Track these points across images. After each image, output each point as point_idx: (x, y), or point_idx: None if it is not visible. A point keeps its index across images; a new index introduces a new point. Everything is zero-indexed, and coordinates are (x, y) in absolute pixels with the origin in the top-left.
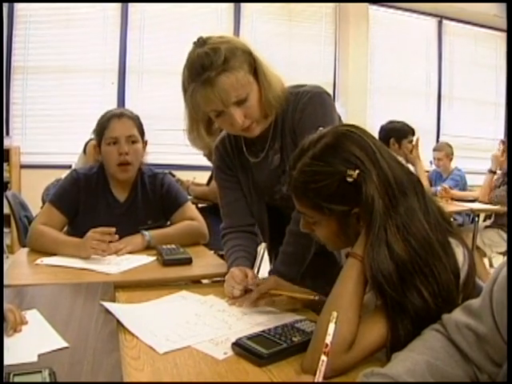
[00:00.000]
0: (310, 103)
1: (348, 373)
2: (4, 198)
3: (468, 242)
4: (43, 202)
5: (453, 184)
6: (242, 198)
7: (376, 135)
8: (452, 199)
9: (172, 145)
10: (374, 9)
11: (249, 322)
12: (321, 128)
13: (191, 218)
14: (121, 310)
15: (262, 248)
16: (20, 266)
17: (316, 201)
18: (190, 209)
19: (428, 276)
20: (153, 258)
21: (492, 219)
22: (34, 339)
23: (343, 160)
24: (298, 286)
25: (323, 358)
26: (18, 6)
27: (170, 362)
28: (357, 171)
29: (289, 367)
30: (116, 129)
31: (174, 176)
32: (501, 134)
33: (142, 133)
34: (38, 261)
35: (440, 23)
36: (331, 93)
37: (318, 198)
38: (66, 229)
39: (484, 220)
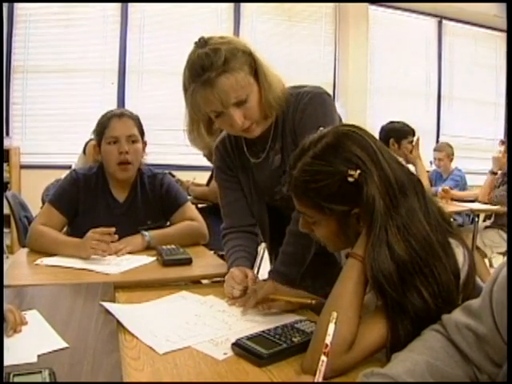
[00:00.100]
0: (311, 104)
1: (348, 373)
2: (4, 198)
3: (468, 243)
4: (43, 203)
5: (453, 184)
6: (243, 198)
7: (376, 135)
8: (452, 199)
9: (172, 145)
10: (373, 9)
11: (249, 323)
12: (321, 128)
13: (191, 218)
14: (121, 310)
15: (262, 248)
16: (20, 267)
17: (316, 200)
18: (190, 209)
19: (428, 276)
20: (153, 259)
21: (492, 219)
22: (34, 339)
23: (344, 160)
24: (297, 289)
25: (323, 358)
26: (17, 5)
27: (169, 363)
28: (358, 171)
29: (289, 367)
30: (116, 128)
31: (173, 176)
32: (500, 134)
33: (141, 133)
34: (38, 261)
35: (440, 23)
36: (331, 93)
37: (318, 197)
38: (65, 229)
39: (484, 220)
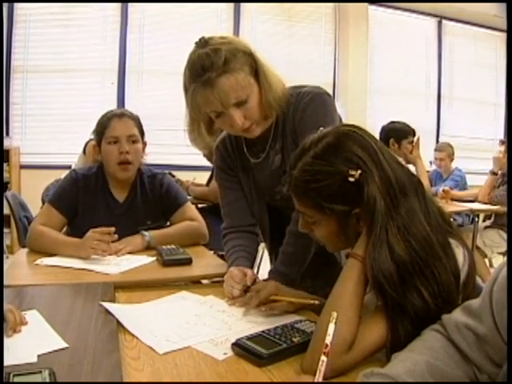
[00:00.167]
0: (311, 104)
1: (348, 373)
2: (4, 198)
3: (468, 243)
4: (43, 203)
5: (453, 184)
6: (243, 198)
7: (376, 135)
8: (452, 199)
9: (172, 145)
10: (373, 9)
11: (249, 323)
12: (322, 128)
13: (191, 218)
14: (121, 310)
15: (262, 248)
16: (20, 267)
17: (317, 200)
18: (190, 209)
19: (428, 277)
20: (153, 259)
21: (492, 219)
22: (34, 339)
23: (345, 160)
24: (298, 290)
25: (323, 358)
26: (17, 5)
27: (169, 363)
28: (359, 171)
29: (289, 367)
30: (117, 128)
31: (173, 176)
32: (500, 134)
33: (142, 133)
34: (38, 261)
35: (440, 23)
36: (331, 93)
37: (318, 197)
38: (65, 229)
39: (484, 220)
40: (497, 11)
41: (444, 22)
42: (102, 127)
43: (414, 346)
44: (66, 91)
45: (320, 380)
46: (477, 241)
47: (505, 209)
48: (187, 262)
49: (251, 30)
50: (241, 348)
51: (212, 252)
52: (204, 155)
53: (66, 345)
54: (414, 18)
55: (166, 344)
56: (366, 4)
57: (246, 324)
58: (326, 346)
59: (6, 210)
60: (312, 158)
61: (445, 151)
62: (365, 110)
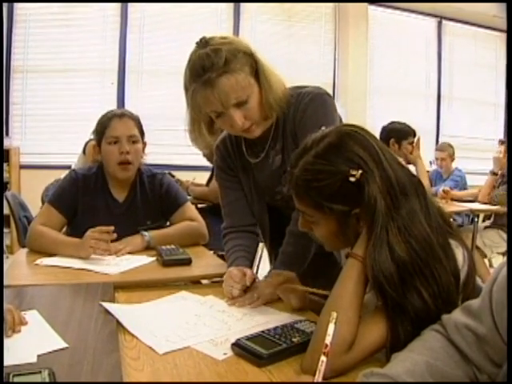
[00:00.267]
0: (311, 104)
1: (348, 373)
2: (4, 198)
3: (468, 243)
4: (43, 203)
5: (453, 184)
6: (243, 198)
7: (376, 135)
8: (452, 199)
9: (172, 145)
10: (373, 9)
11: (248, 323)
12: (323, 127)
13: (191, 218)
14: (120, 310)
15: (261, 248)
16: (20, 267)
17: (317, 200)
18: (190, 209)
19: (428, 278)
20: (152, 259)
21: (491, 219)
22: (34, 340)
23: (346, 160)
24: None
25: (323, 358)
26: (17, 5)
27: (169, 363)
28: (360, 171)
29: (288, 367)
30: (117, 128)
31: (173, 176)
32: (500, 134)
33: (142, 133)
34: (38, 261)
35: (439, 23)
36: (331, 93)
37: (319, 197)
38: (65, 229)
39: (483, 220)
40: (496, 11)
41: (444, 22)
42: (103, 127)
43: (413, 346)
44: (66, 91)
45: (320, 380)
46: (476, 241)
47: (505, 209)
48: (187, 262)
49: (251, 30)
50: (240, 348)
51: (212, 252)
52: (204, 155)
53: (65, 345)
54: (413, 17)
55: (166, 344)
56: (365, 4)
57: (246, 324)
58: (326, 346)
59: (6, 210)
60: (313, 157)
61: (446, 151)
62: (365, 110)
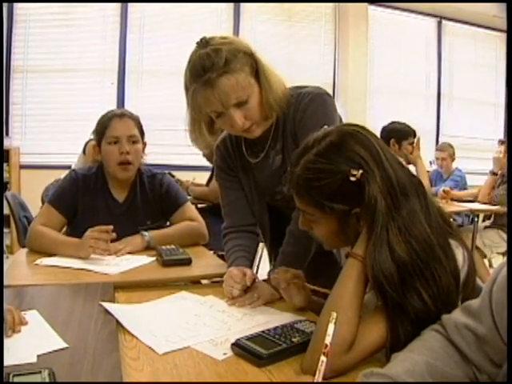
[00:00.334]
0: (311, 104)
1: (348, 373)
2: (4, 198)
3: (468, 243)
4: (43, 203)
5: (453, 185)
6: (243, 198)
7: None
8: (452, 199)
9: (172, 145)
10: (373, 9)
11: (248, 323)
12: (326, 126)
13: (191, 218)
14: (120, 310)
15: (261, 248)
16: (20, 267)
17: (318, 199)
18: (190, 209)
19: (428, 279)
20: (152, 259)
21: (491, 219)
22: (34, 340)
23: (347, 159)
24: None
25: (323, 358)
26: (17, 5)
27: (169, 363)
28: (360, 171)
29: (288, 368)
30: (117, 128)
31: (173, 176)
32: (500, 134)
33: (142, 133)
34: (38, 261)
35: (439, 23)
36: (331, 93)
37: (319, 196)
38: (65, 229)
39: (483, 220)
40: (496, 11)
41: (444, 22)
42: (103, 127)
43: (413, 346)
44: (66, 91)
45: (320, 380)
46: (476, 241)
47: (505, 209)
48: (187, 262)
49: (251, 30)
50: (240, 348)
51: (212, 252)
52: (204, 155)
53: (65, 345)
54: (413, 18)
55: (166, 344)
56: (365, 4)
57: (246, 324)
58: (326, 346)
59: (6, 210)
60: (315, 155)
61: (446, 151)
62: (365, 110)
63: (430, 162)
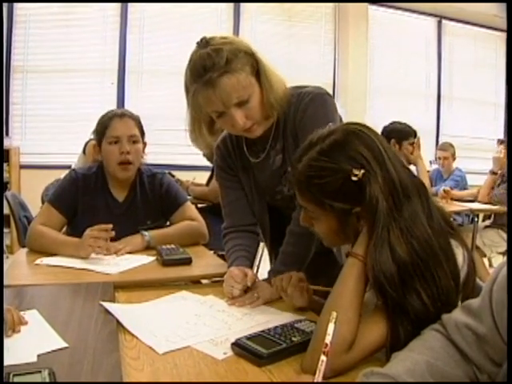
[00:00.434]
0: (312, 104)
1: (348, 373)
2: (4, 198)
3: (468, 242)
4: (43, 203)
5: (453, 184)
6: (244, 198)
7: None
8: (452, 199)
9: (172, 145)
10: (373, 9)
11: (248, 322)
12: (330, 124)
13: (191, 218)
14: (120, 310)
15: (261, 247)
16: (20, 267)
17: (318, 196)
18: (190, 209)
19: (428, 280)
20: (152, 258)
21: (491, 219)
22: (34, 339)
23: (349, 158)
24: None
25: (323, 357)
26: (17, 5)
27: (169, 363)
28: (362, 171)
29: (288, 367)
30: (118, 128)
31: (173, 176)
32: (500, 134)
33: (142, 133)
34: (38, 261)
35: (440, 23)
36: (331, 93)
37: (320, 193)
38: (65, 229)
39: (483, 220)
40: (497, 11)
41: (444, 21)
42: (103, 127)
43: (413, 345)
44: (66, 91)
45: (320, 380)
46: (476, 240)
47: (504, 208)
48: (187, 261)
49: (251, 30)
50: (240, 348)
51: (212, 252)
52: (204, 155)
53: (65, 345)
54: (413, 17)
55: (166, 344)
56: (365, 4)
57: (246, 324)
58: (326, 345)
59: (6, 210)
60: (318, 153)
61: (448, 151)
62: (365, 110)
63: (430, 162)
